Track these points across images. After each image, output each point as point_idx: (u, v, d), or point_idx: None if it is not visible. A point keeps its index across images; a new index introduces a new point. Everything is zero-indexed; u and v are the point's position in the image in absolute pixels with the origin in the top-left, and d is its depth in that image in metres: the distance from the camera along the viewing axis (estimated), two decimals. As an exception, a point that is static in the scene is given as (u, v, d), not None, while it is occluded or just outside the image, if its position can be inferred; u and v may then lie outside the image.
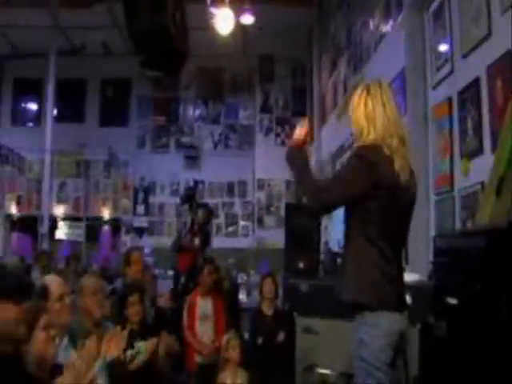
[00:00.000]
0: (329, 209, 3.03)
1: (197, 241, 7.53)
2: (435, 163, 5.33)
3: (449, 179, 4.97)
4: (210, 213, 8.22)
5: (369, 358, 2.73)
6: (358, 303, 2.81)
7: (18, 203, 15.45)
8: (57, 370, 2.50)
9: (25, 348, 2.33)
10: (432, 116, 5.44)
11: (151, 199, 15.36)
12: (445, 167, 5.07)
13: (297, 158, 3.00)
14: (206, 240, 7.89)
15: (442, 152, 5.17)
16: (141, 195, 15.31)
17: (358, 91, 3.01)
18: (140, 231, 14.93)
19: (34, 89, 15.75)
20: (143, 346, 3.99)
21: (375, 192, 2.79)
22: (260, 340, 5.61)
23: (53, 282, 3.23)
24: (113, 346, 2.99)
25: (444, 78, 5.21)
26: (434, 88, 5.44)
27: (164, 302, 5.96)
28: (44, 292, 3.05)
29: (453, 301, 2.98)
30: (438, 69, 5.34)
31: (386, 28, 7.23)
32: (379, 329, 2.73)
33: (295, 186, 3.30)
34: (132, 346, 4.05)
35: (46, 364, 2.43)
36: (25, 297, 2.27)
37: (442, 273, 3.49)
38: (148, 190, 15.34)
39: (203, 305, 5.84)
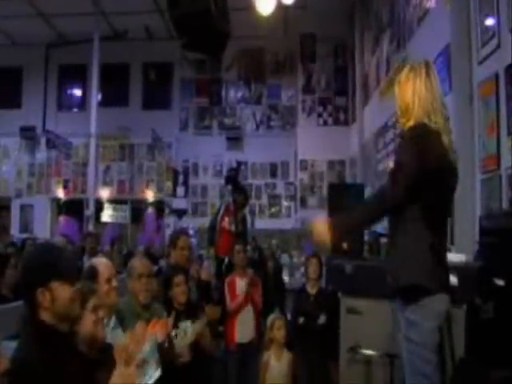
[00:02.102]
0: (404, 198, 2.81)
1: (234, 223, 7.50)
2: (481, 141, 5.21)
3: (495, 158, 4.85)
4: (246, 197, 8.16)
5: (418, 338, 2.70)
6: (420, 287, 2.71)
7: (65, 187, 15.83)
8: (107, 349, 2.57)
9: (75, 328, 2.41)
10: (478, 93, 5.31)
11: (195, 181, 15.51)
12: (491, 145, 4.95)
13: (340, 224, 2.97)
14: (243, 224, 7.85)
15: (488, 130, 5.05)
16: (181, 177, 15.46)
17: (406, 69, 2.99)
18: (180, 213, 15.09)
19: (78, 75, 16.07)
20: (189, 328, 4.04)
21: (430, 174, 2.73)
22: (301, 320, 5.63)
23: (101, 264, 3.24)
24: (158, 330, 3.01)
25: (490, 54, 5.06)
26: (480, 64, 5.30)
27: (206, 275, 6.04)
28: (93, 273, 3.11)
29: (500, 282, 2.93)
30: (484, 44, 5.19)
31: (430, 3, 7.06)
32: (429, 309, 2.69)
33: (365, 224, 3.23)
34: (177, 326, 4.12)
35: (95, 344, 2.50)
36: (78, 278, 2.34)
37: (488, 253, 3.43)
38: (189, 172, 15.48)
39: (241, 284, 5.90)
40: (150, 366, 2.50)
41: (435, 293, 2.71)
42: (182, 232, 5.74)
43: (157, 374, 2.50)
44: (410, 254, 2.76)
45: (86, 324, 2.47)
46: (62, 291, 2.17)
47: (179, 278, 4.28)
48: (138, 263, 3.89)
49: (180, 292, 4.23)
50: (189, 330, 4.06)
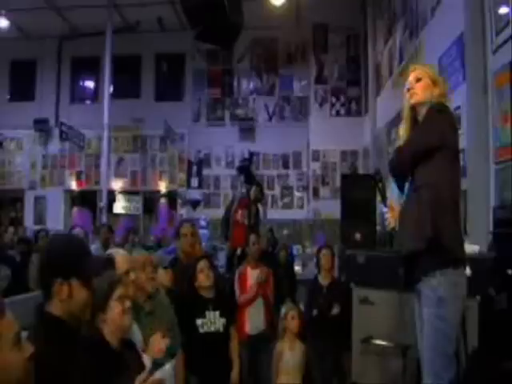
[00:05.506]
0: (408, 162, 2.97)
1: (248, 217, 7.48)
2: (495, 132, 5.17)
3: (510, 149, 4.81)
4: (262, 193, 8.14)
5: (449, 316, 2.72)
6: (456, 253, 2.75)
7: (78, 179, 15.92)
8: (126, 343, 2.59)
9: (101, 318, 2.44)
10: (492, 83, 5.26)
11: (207, 171, 15.51)
12: (505, 136, 4.91)
13: None
14: (256, 217, 7.83)
15: (502, 120, 5.01)
16: (195, 168, 15.47)
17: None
18: (194, 204, 15.12)
19: (91, 67, 16.11)
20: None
21: (454, 138, 2.86)
22: (315, 312, 5.62)
23: (119, 256, 3.24)
24: (156, 348, 2.92)
25: (505, 42, 5.01)
26: (494, 53, 5.25)
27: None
28: (110, 266, 3.08)
29: (513, 272, 2.92)
30: (498, 33, 5.14)
31: (444, -8, 7.00)
32: (459, 289, 2.75)
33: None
34: (203, 316, 4.15)
35: (121, 333, 2.53)
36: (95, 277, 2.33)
37: (502, 244, 3.42)
38: (202, 163, 15.49)
39: (254, 276, 5.88)
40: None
41: (463, 263, 2.77)
42: (184, 221, 5.73)
43: None
44: (448, 223, 2.78)
45: (113, 313, 2.50)
46: (79, 291, 2.14)
47: (201, 265, 4.31)
48: (140, 254, 3.81)
49: (204, 278, 4.26)
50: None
